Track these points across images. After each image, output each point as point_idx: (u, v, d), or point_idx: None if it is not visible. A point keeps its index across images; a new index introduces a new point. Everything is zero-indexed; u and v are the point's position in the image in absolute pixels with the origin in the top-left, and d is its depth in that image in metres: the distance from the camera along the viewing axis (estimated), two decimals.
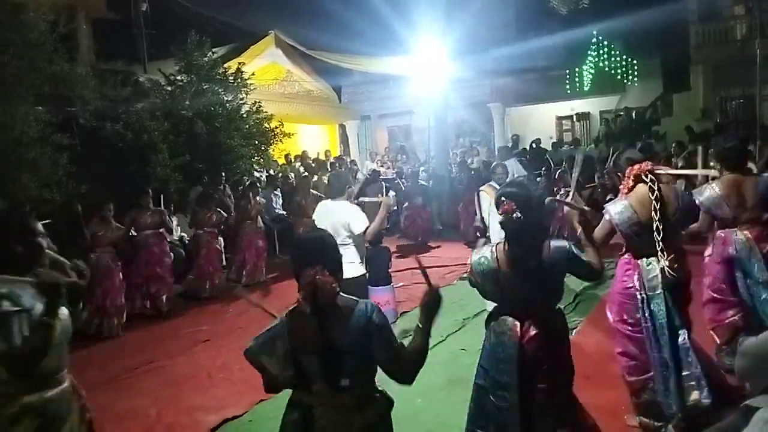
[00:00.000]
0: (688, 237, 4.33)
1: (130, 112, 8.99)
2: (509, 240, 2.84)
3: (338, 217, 4.68)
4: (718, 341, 4.35)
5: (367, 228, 4.67)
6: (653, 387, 3.51)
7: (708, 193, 4.21)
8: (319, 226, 4.33)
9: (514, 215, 2.72)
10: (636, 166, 3.58)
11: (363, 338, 2.13)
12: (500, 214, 2.80)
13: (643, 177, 3.52)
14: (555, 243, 2.84)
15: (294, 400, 2.25)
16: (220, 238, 8.83)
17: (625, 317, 3.64)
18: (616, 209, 3.57)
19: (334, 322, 2.13)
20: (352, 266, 4.59)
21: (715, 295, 4.34)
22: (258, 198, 9.20)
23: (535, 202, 2.81)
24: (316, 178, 12.18)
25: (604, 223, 3.58)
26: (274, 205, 10.92)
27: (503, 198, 2.79)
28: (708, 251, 4.45)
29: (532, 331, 2.79)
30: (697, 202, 4.22)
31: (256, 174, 11.90)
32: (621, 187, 3.71)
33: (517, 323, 2.81)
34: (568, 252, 2.82)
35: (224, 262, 8.96)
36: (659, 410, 3.50)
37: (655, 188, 3.46)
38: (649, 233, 3.42)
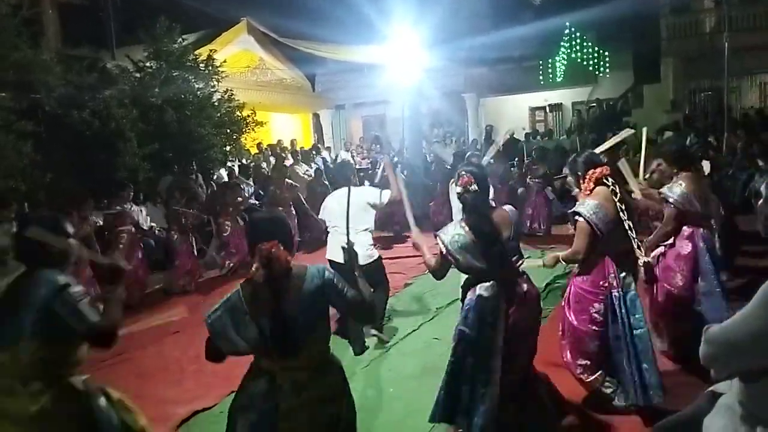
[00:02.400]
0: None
1: (98, 100, 8.76)
2: (468, 211, 3.19)
3: (361, 199, 5.13)
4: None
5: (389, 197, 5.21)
6: (608, 380, 3.61)
7: (678, 189, 4.25)
8: (334, 214, 5.04)
9: (471, 187, 3.11)
10: (598, 170, 3.62)
11: (319, 297, 2.32)
12: (458, 186, 3.18)
13: (604, 180, 3.58)
14: (502, 208, 3.28)
15: (255, 370, 2.35)
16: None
17: (592, 314, 3.60)
18: (588, 209, 3.53)
19: (289, 288, 2.29)
20: (372, 249, 5.24)
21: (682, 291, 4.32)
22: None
23: (486, 177, 3.23)
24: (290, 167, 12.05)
25: (582, 228, 3.52)
26: (246, 195, 10.76)
27: (463, 172, 3.18)
28: (660, 250, 4.44)
29: (512, 294, 3.10)
30: (669, 200, 4.25)
31: (229, 164, 11.76)
32: (582, 188, 3.72)
33: (499, 288, 3.07)
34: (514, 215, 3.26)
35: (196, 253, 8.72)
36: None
37: (617, 191, 3.52)
38: (620, 231, 3.47)
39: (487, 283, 3.11)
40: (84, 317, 2.36)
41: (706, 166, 6.35)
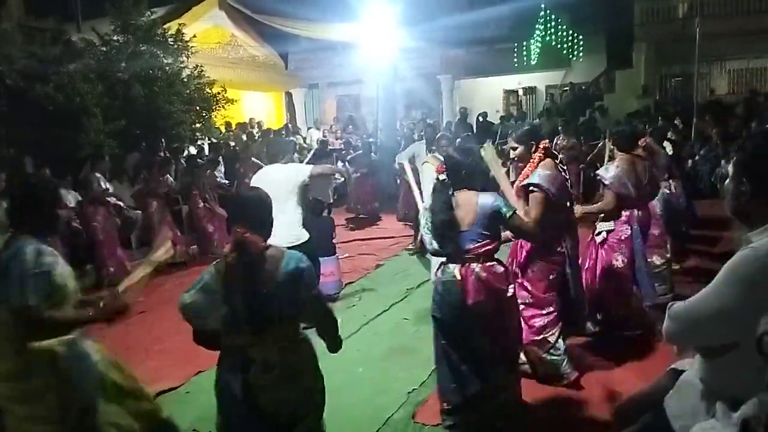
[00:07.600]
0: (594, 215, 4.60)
1: (62, 73, 8.47)
2: (431, 195, 3.18)
3: (280, 176, 4.76)
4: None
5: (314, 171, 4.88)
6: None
7: (613, 171, 4.48)
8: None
9: (440, 176, 3.10)
10: (544, 142, 3.81)
11: (292, 283, 2.29)
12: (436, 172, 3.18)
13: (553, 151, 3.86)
14: (484, 198, 3.06)
15: (227, 348, 2.36)
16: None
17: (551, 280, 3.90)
18: (543, 179, 3.70)
19: (262, 269, 2.28)
20: (301, 230, 4.76)
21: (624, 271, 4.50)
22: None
23: (459, 167, 3.12)
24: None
25: (538, 198, 3.60)
26: (217, 174, 10.58)
27: (444, 158, 3.20)
28: (603, 236, 4.56)
29: (471, 277, 3.02)
30: (605, 180, 4.47)
31: (198, 142, 11.54)
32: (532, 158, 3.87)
33: (459, 271, 3.05)
34: (494, 208, 3.05)
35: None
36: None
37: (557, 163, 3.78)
38: (566, 198, 3.80)
39: (446, 266, 3.15)
40: (24, 293, 2.37)
41: (668, 147, 6.67)
